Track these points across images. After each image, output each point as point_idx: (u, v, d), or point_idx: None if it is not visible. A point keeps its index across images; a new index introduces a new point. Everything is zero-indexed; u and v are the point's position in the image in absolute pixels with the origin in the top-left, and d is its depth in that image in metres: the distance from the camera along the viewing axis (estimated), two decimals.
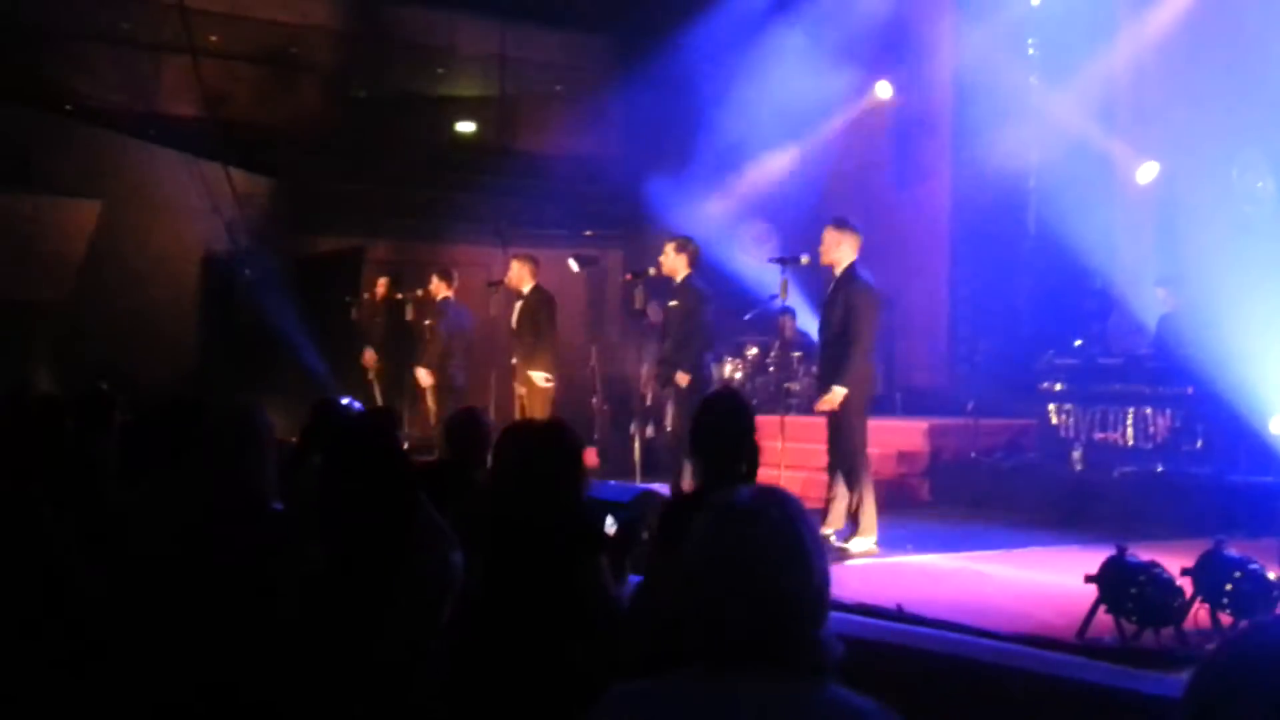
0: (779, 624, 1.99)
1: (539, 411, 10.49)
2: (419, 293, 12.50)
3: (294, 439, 5.69)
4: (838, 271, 8.35)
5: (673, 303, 9.47)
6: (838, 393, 8.14)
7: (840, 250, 8.34)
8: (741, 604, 1.98)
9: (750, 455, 4.32)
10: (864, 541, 8.12)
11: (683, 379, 9.18)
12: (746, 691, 1.97)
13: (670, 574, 3.64)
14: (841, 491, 8.25)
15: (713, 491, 2.21)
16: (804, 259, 8.66)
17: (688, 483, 9.20)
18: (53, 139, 13.03)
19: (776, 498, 2.10)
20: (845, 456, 8.29)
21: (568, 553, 3.58)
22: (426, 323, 12.25)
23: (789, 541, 2.03)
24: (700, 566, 2.04)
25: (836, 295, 8.34)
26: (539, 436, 3.98)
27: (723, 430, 4.33)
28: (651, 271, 9.66)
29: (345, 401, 6.94)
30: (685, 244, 9.54)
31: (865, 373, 8.30)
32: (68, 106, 13.60)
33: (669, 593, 3.61)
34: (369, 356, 13.07)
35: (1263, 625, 1.63)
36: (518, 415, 10.39)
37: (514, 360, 11.11)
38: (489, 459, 5.20)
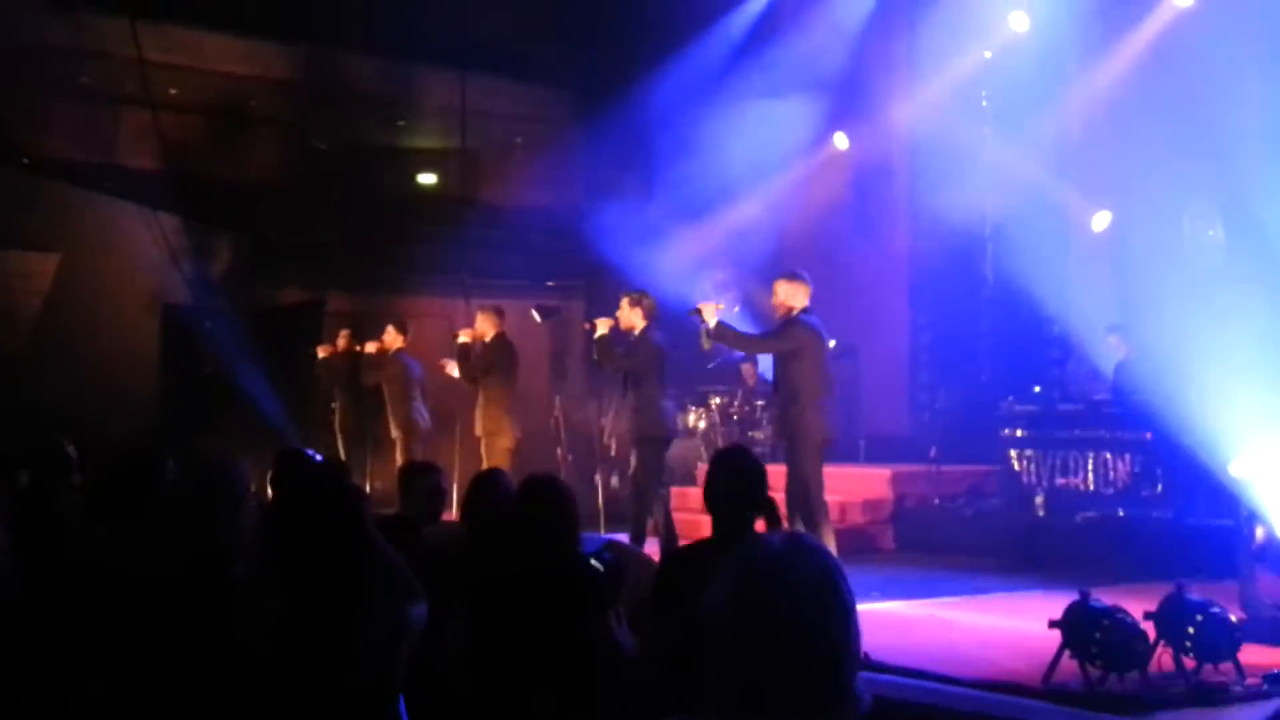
0: (811, 676, 1.93)
1: (499, 460, 10.44)
2: (371, 346, 12.40)
3: (259, 491, 5.66)
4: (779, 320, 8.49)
5: (628, 357, 9.52)
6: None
7: (794, 300, 8.45)
8: (773, 657, 1.93)
9: (767, 510, 4.32)
10: None
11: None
12: None
13: (676, 624, 3.65)
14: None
15: (726, 547, 2.15)
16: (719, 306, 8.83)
17: (652, 530, 9.22)
18: (11, 192, 12.96)
19: (806, 547, 2.04)
20: (803, 502, 8.31)
21: (575, 605, 3.59)
22: (395, 378, 12.13)
23: (820, 592, 1.98)
24: (728, 619, 1.97)
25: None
26: (539, 489, 4.03)
27: (735, 488, 4.34)
28: (599, 330, 9.67)
29: (308, 453, 6.89)
30: (640, 298, 9.61)
31: (817, 418, 8.35)
32: (25, 160, 13.52)
33: (672, 641, 3.62)
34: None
35: None
36: (484, 465, 10.34)
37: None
38: (443, 510, 5.24)
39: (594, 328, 9.74)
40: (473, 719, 3.44)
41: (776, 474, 8.80)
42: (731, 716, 1.95)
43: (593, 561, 4.04)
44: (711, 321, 8.59)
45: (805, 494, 8.28)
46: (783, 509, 8.46)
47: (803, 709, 1.93)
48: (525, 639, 3.58)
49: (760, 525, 4.32)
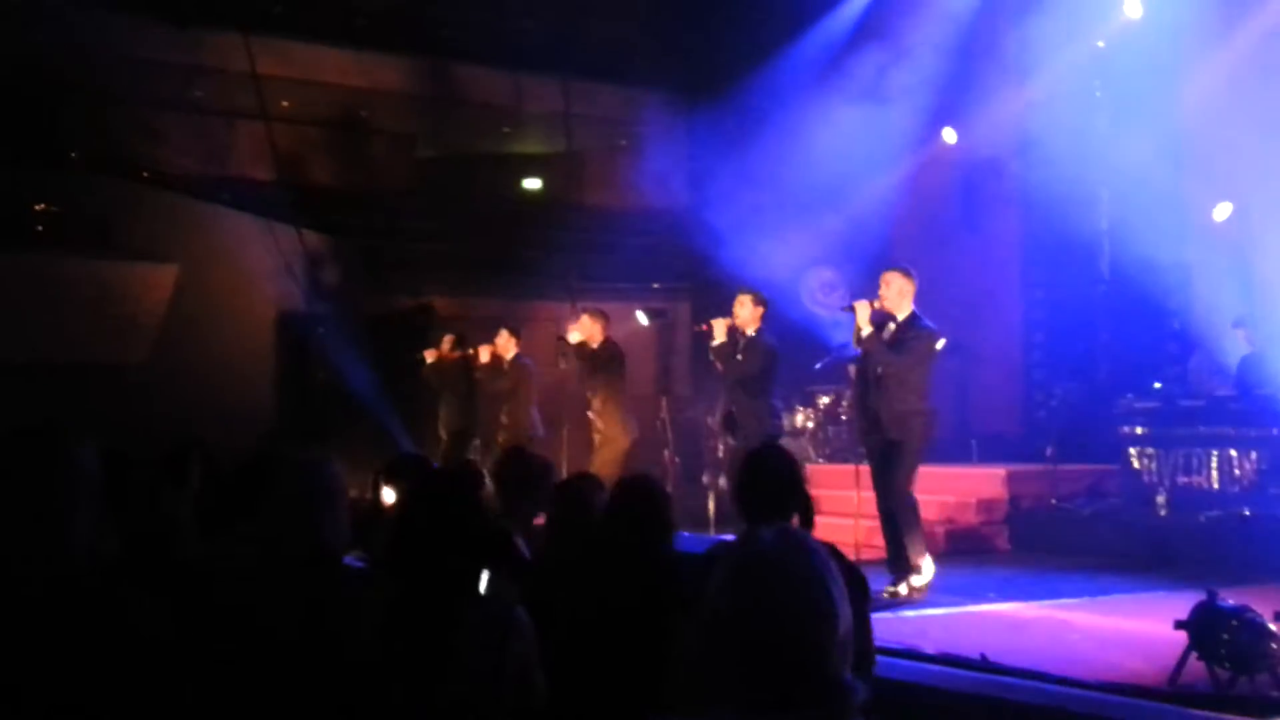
0: (804, 671, 2.00)
1: (613, 463, 10.53)
2: (485, 352, 12.49)
3: (369, 494, 5.71)
4: (900, 317, 8.33)
5: (739, 356, 9.45)
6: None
7: (904, 297, 8.34)
8: (766, 652, 2.00)
9: (804, 507, 4.29)
10: (921, 578, 8.06)
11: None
12: None
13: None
14: (897, 537, 8.17)
15: None
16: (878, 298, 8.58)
17: None
18: (130, 205, 13.32)
19: (796, 543, 2.11)
20: (898, 495, 8.21)
21: (663, 602, 3.59)
22: (508, 383, 12.20)
23: (811, 588, 2.05)
24: (722, 615, 2.05)
25: (905, 340, 8.30)
26: (638, 491, 4.06)
27: (768, 485, 4.31)
28: (720, 328, 9.62)
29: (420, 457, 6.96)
30: (761, 298, 9.56)
31: (932, 421, 8.37)
32: (144, 173, 13.89)
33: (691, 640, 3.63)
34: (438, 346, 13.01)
35: None
36: (595, 469, 10.40)
37: (590, 414, 11.23)
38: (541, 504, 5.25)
39: (710, 330, 9.67)
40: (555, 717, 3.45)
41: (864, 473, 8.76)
42: (726, 708, 2.02)
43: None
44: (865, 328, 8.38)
45: (901, 490, 8.18)
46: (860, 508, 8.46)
47: (792, 701, 1.99)
48: (612, 635, 3.58)
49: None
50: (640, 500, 4.18)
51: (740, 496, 4.38)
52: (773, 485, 4.29)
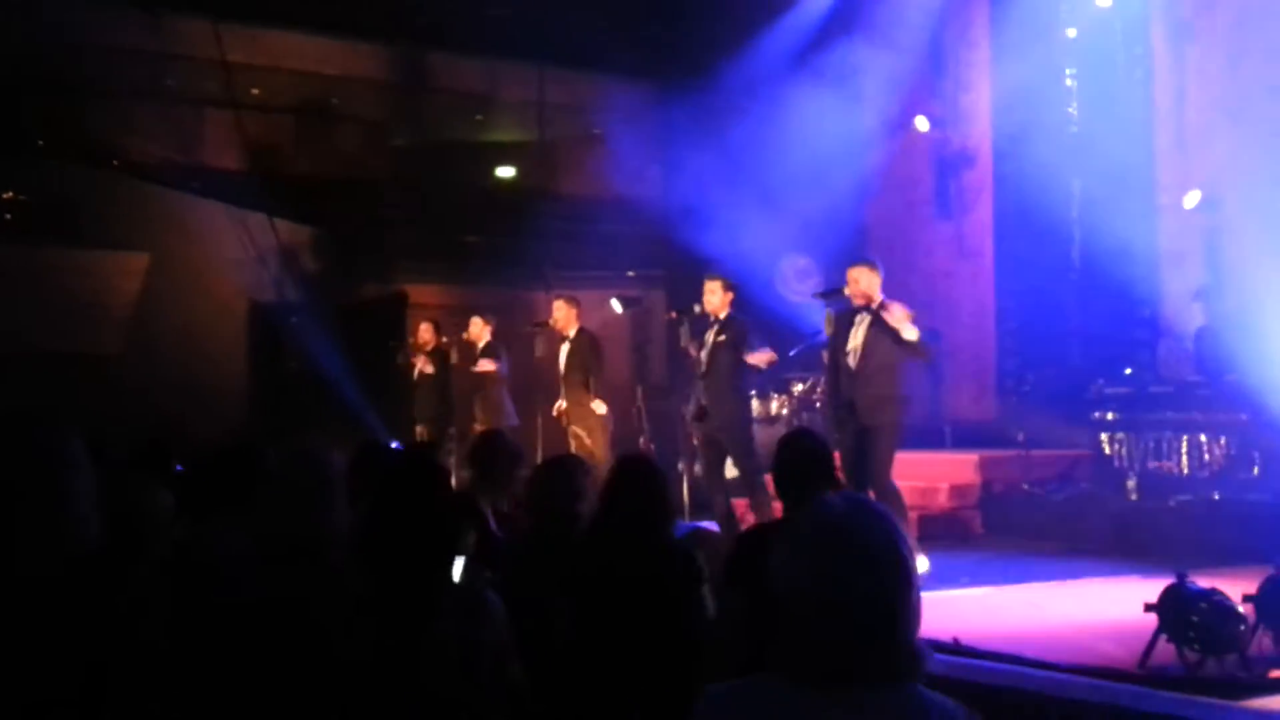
0: (878, 636, 1.96)
1: (604, 447, 10.61)
2: (458, 337, 12.52)
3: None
4: (874, 305, 8.37)
5: (720, 338, 9.45)
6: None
7: (871, 287, 8.41)
8: (841, 619, 1.95)
9: (832, 488, 4.37)
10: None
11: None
12: (840, 695, 1.96)
13: (747, 594, 3.70)
14: None
15: None
16: (846, 290, 8.63)
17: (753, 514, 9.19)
18: (100, 194, 13.23)
19: (866, 508, 2.07)
20: (880, 483, 8.25)
21: (678, 586, 3.62)
22: (483, 368, 12.22)
23: (884, 552, 2.00)
24: (795, 584, 2.00)
25: (881, 327, 8.33)
26: (644, 473, 4.11)
27: (805, 468, 4.41)
28: (697, 309, 9.66)
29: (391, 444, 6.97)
30: (730, 283, 9.58)
31: (906, 407, 8.42)
32: (114, 162, 13.80)
33: (740, 610, 3.66)
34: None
35: None
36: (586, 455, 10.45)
37: (561, 404, 11.26)
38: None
39: (678, 316, 9.70)
40: (582, 701, 3.46)
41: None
42: (801, 677, 1.97)
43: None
44: (909, 334, 8.37)
45: (882, 477, 8.24)
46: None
47: (868, 669, 1.95)
48: (630, 619, 3.62)
49: None
50: (644, 479, 4.22)
51: (776, 481, 4.51)
52: (804, 470, 4.40)
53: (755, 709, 1.99)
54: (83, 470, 2.88)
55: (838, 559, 1.99)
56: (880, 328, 8.33)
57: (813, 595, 1.98)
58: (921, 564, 8.02)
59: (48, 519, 2.79)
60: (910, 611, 1.99)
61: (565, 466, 4.83)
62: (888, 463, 8.31)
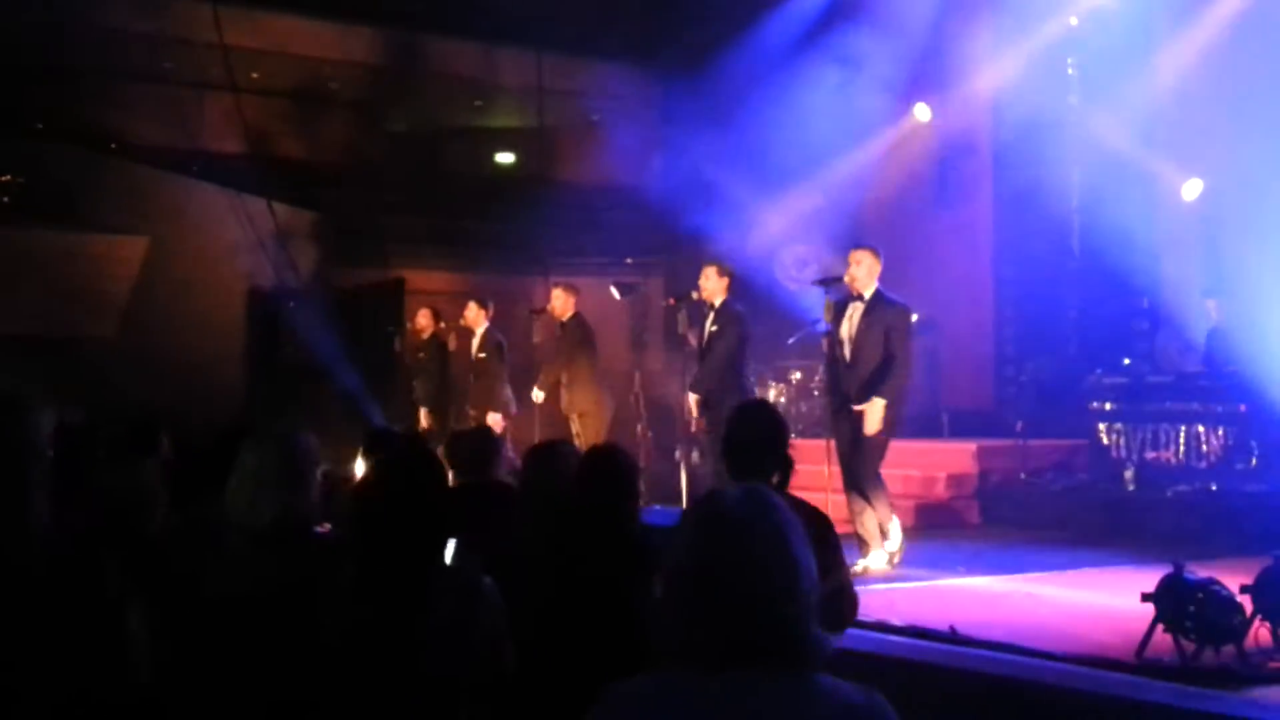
0: (768, 627, 1.99)
1: (595, 434, 10.61)
2: (456, 323, 12.52)
3: (347, 469, 5.71)
4: (866, 295, 8.36)
5: (713, 327, 9.45)
6: (878, 404, 8.13)
7: (870, 275, 8.38)
8: (729, 610, 2.00)
9: (783, 466, 4.31)
10: (891, 543, 8.14)
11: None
12: (739, 686, 1.98)
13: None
14: (867, 510, 8.20)
15: None
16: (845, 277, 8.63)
17: None
18: (98, 177, 13.19)
19: (761, 500, 2.10)
20: (867, 474, 8.24)
21: (629, 573, 3.60)
22: (480, 356, 12.22)
23: (775, 546, 2.04)
24: (685, 574, 2.05)
25: (872, 318, 8.33)
26: (605, 461, 4.07)
27: (754, 440, 4.33)
28: (694, 295, 9.66)
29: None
30: (725, 269, 9.56)
31: (904, 393, 8.38)
32: (112, 145, 13.76)
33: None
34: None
35: None
36: (574, 441, 10.45)
37: (539, 393, 11.26)
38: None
39: (676, 303, 9.71)
40: (530, 686, 3.45)
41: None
42: (685, 659, 2.01)
43: None
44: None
45: (873, 469, 8.22)
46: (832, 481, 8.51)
47: (756, 654, 1.98)
48: (582, 604, 3.60)
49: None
50: (607, 467, 4.19)
51: (724, 451, 4.42)
52: (753, 442, 4.32)
53: (654, 702, 2.03)
54: (43, 451, 2.88)
55: (714, 538, 2.04)
56: (870, 318, 8.33)
57: (689, 571, 2.03)
58: (895, 535, 8.06)
59: (12, 500, 2.79)
60: (799, 601, 2.01)
61: (555, 452, 4.83)
62: (878, 453, 8.29)
